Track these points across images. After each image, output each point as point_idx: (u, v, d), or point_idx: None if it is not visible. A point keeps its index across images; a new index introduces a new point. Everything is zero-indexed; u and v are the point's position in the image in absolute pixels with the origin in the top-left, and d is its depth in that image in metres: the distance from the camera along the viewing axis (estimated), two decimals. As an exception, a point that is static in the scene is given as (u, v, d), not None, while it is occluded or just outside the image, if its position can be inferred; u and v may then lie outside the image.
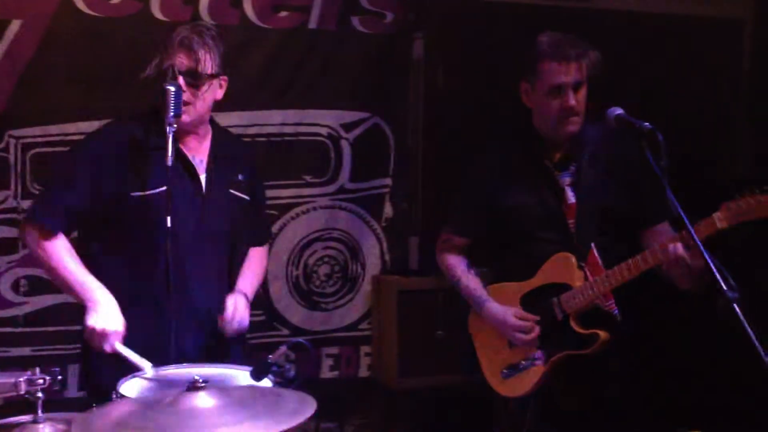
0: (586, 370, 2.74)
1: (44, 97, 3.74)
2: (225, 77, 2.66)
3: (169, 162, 2.39)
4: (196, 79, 2.53)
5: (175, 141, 2.46)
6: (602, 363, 2.74)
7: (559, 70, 2.70)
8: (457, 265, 3.01)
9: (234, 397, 1.83)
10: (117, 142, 2.57)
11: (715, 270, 2.07)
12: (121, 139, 2.58)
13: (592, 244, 2.75)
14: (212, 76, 2.57)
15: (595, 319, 2.71)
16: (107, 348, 2.43)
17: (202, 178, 2.64)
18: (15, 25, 3.64)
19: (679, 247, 2.45)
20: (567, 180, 2.80)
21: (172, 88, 2.42)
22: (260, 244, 2.96)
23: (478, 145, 3.06)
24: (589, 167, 2.77)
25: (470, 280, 2.96)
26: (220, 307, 2.67)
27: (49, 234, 2.56)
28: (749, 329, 1.92)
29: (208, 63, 2.54)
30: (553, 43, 2.74)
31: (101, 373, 2.51)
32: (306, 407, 1.81)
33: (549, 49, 2.73)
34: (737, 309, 1.98)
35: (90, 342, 2.47)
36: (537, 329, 2.77)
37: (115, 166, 2.54)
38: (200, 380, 1.82)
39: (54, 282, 2.68)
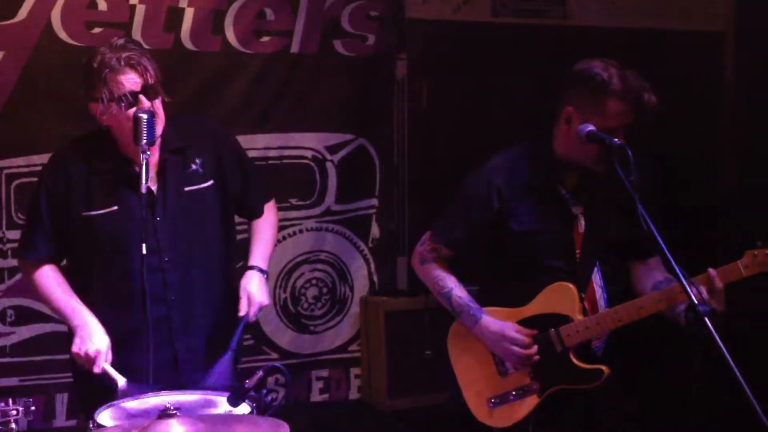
0: (577, 403, 2.67)
1: (27, 128, 3.77)
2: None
3: (144, 189, 2.39)
4: (152, 92, 2.53)
5: (126, 171, 2.52)
6: (593, 396, 2.66)
7: (626, 113, 2.51)
8: (446, 276, 2.78)
9: (206, 424, 1.83)
10: (65, 169, 2.61)
11: (686, 284, 2.07)
12: (68, 165, 2.61)
13: (593, 276, 2.70)
14: (159, 83, 2.56)
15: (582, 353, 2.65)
16: (95, 370, 2.43)
17: (154, 188, 2.58)
18: (-3, 57, 3.68)
19: (704, 291, 2.39)
20: (580, 208, 2.67)
21: (145, 116, 2.43)
22: (256, 216, 2.82)
23: (464, 163, 2.97)
24: (601, 196, 2.65)
25: (463, 292, 2.74)
26: (222, 309, 2.66)
27: (35, 266, 2.64)
28: (721, 343, 1.91)
29: (152, 72, 2.53)
30: (628, 85, 2.50)
31: (95, 397, 2.50)
32: (279, 432, 1.80)
33: (623, 89, 2.49)
34: (709, 323, 1.97)
35: (79, 365, 2.48)
36: (535, 347, 2.63)
37: (65, 192, 2.58)
38: (171, 408, 1.81)
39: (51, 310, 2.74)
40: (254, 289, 2.65)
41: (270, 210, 2.86)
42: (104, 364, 2.43)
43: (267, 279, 2.71)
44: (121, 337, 2.51)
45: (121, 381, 2.39)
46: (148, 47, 3.81)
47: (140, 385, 2.37)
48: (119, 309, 2.55)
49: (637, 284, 2.76)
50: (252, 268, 2.71)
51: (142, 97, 2.50)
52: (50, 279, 2.61)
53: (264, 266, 2.73)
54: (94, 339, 2.46)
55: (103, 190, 2.55)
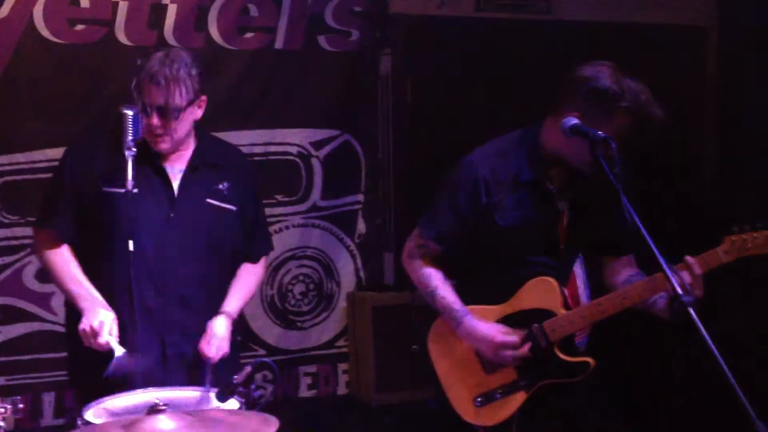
0: (564, 397, 2.67)
1: (11, 126, 3.75)
2: (203, 97, 2.66)
3: (130, 186, 2.39)
4: (168, 113, 2.56)
5: (154, 161, 2.55)
6: (579, 389, 2.67)
7: (631, 126, 2.50)
8: (432, 274, 2.74)
9: (195, 420, 1.83)
10: (93, 145, 2.66)
11: (670, 274, 2.08)
12: (96, 142, 2.66)
13: (575, 270, 2.71)
14: (185, 107, 2.58)
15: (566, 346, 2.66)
16: (99, 340, 2.44)
17: (175, 185, 2.64)
18: (-21, 56, 3.66)
19: (687, 276, 2.43)
20: (565, 203, 2.67)
21: (130, 113, 2.43)
22: (253, 260, 2.88)
23: (449, 157, 2.97)
24: (586, 192, 2.66)
25: (448, 292, 2.71)
26: (199, 319, 2.66)
27: (53, 242, 2.66)
28: (705, 332, 1.93)
29: (178, 97, 2.55)
30: (640, 101, 2.49)
31: (87, 362, 2.54)
32: (268, 427, 1.81)
33: (635, 105, 2.49)
34: (692, 312, 1.99)
35: (86, 343, 2.49)
36: (527, 346, 2.61)
37: (89, 165, 2.62)
38: (160, 403, 1.82)
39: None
40: (220, 335, 2.64)
41: (262, 264, 2.92)
42: (108, 336, 2.44)
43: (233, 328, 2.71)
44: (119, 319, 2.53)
45: (119, 351, 2.40)
46: (130, 44, 3.83)
47: (136, 359, 2.39)
48: (114, 294, 2.57)
49: (608, 279, 2.77)
50: (223, 313, 2.70)
51: (155, 113, 2.54)
52: (65, 259, 2.65)
53: (235, 315, 2.73)
54: (99, 315, 2.49)
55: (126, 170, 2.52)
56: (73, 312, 2.59)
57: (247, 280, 2.83)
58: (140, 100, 2.54)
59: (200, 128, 2.77)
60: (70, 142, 2.81)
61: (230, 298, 2.75)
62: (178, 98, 2.54)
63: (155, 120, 2.54)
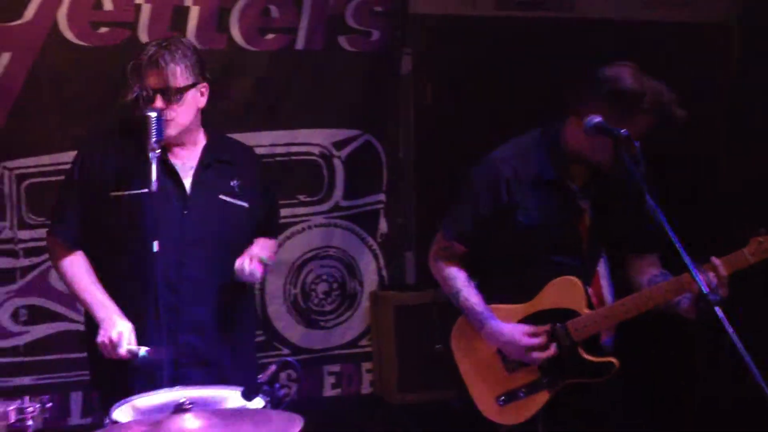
0: (589, 396, 2.68)
1: (36, 128, 3.79)
2: (205, 84, 2.67)
3: (154, 187, 2.41)
4: (170, 95, 2.57)
5: (163, 159, 2.55)
6: (603, 388, 2.68)
7: (652, 125, 2.52)
8: (457, 276, 2.77)
9: (221, 419, 1.85)
10: (103, 147, 2.69)
11: (696, 273, 2.07)
12: (107, 144, 2.69)
13: (599, 269, 2.71)
14: (186, 88, 2.60)
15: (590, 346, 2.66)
16: (119, 352, 2.48)
17: (187, 183, 2.66)
18: (4, 59, 3.69)
19: (712, 277, 2.43)
20: (587, 202, 2.68)
21: (153, 115, 2.46)
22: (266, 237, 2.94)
23: (470, 157, 2.97)
24: (608, 191, 2.66)
25: (471, 294, 2.73)
26: (215, 316, 2.70)
27: (65, 249, 2.70)
28: (731, 331, 1.92)
29: (178, 77, 2.57)
30: (661, 101, 2.51)
31: (107, 365, 2.58)
32: (292, 426, 1.82)
33: (656, 106, 2.51)
34: (719, 312, 1.97)
35: (106, 355, 2.54)
36: (553, 347, 2.62)
37: (99, 168, 2.64)
38: (186, 402, 1.84)
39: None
40: (257, 250, 2.70)
41: (274, 241, 3.00)
42: (128, 346, 2.49)
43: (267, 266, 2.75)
44: (132, 320, 2.57)
45: (142, 351, 2.46)
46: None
47: (159, 352, 2.42)
48: (132, 294, 2.60)
49: (632, 278, 2.77)
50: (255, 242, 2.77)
51: (158, 96, 2.54)
52: (79, 267, 2.68)
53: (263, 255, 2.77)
54: (117, 326, 2.52)
55: (138, 172, 2.56)
56: (91, 317, 2.63)
57: (266, 242, 2.88)
58: (138, 85, 2.56)
59: (209, 127, 2.78)
60: (81, 144, 2.84)
61: (254, 247, 2.79)
62: (180, 79, 2.57)
63: (158, 103, 2.55)
